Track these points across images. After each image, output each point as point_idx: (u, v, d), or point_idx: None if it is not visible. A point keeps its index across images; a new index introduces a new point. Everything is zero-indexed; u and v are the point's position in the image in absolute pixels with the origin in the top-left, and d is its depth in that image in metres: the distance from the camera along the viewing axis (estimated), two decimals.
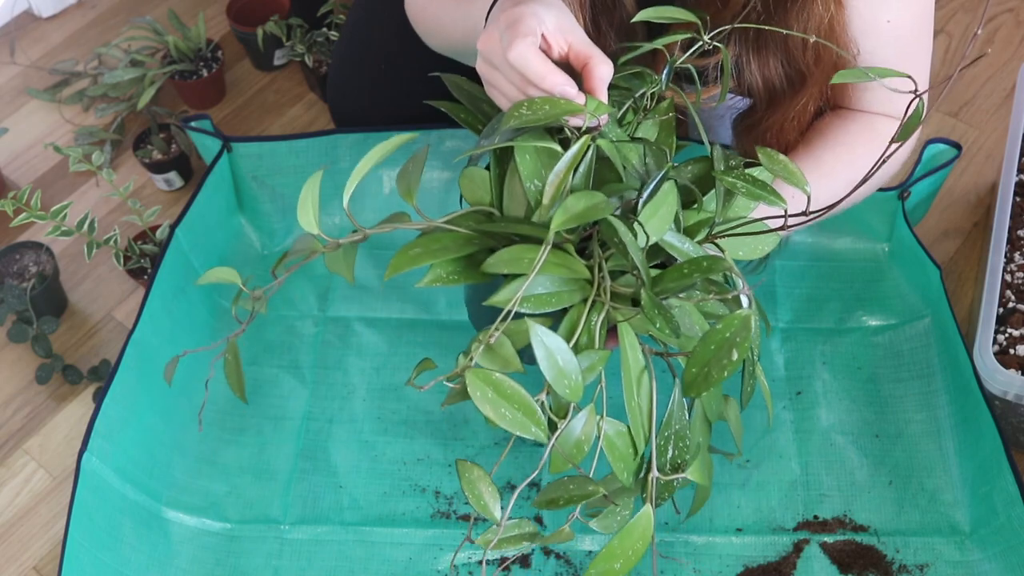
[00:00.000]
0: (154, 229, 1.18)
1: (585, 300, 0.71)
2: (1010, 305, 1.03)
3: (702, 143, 1.10)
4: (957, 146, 1.06)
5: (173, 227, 1.07)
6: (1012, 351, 1.00)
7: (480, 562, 0.98)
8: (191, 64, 1.38)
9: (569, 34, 0.71)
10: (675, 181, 0.74)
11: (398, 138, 0.76)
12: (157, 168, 1.30)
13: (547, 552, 0.98)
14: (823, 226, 1.14)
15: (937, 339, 1.06)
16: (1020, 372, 0.97)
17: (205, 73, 1.38)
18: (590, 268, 0.72)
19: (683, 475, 0.71)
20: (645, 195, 0.71)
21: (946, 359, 1.04)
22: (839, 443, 1.04)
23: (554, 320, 0.72)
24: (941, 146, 1.06)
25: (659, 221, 0.72)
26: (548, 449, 0.68)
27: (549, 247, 0.68)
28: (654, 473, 0.69)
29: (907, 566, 0.96)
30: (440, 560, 0.99)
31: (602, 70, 0.71)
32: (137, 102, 1.35)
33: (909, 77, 0.68)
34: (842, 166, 0.90)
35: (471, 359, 0.67)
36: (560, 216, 0.67)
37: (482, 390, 0.65)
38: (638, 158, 0.75)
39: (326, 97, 1.38)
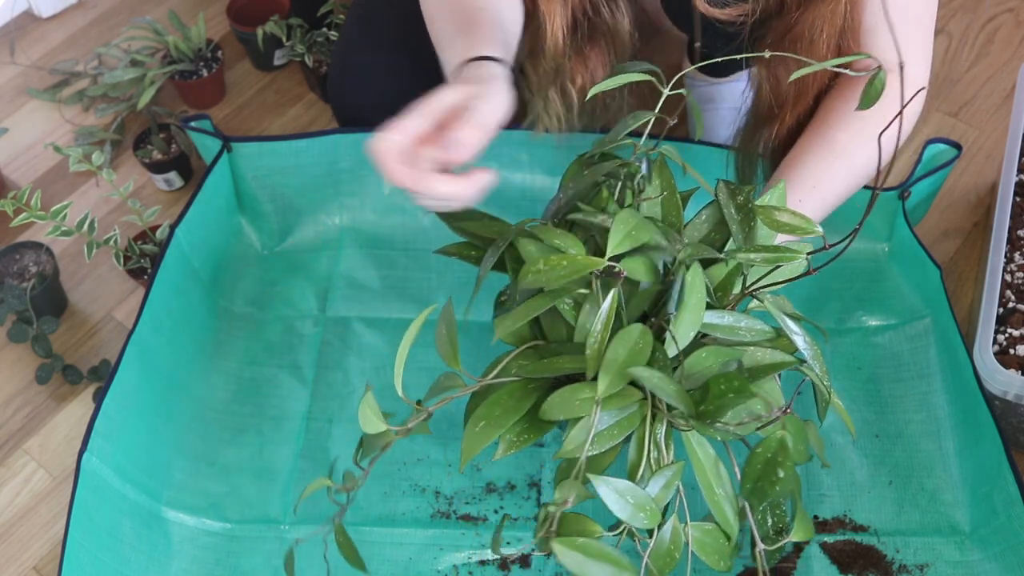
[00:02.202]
0: (154, 229, 1.18)
1: (645, 418, 0.72)
2: (1010, 305, 1.03)
3: (705, 144, 1.10)
4: (957, 146, 1.06)
5: (173, 227, 1.07)
6: (1012, 351, 1.00)
7: (480, 562, 0.98)
8: (191, 64, 1.38)
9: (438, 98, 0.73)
10: (698, 263, 0.74)
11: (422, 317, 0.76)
12: (157, 168, 1.30)
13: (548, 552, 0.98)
14: (823, 226, 1.14)
15: (937, 339, 1.06)
16: (1020, 372, 0.97)
17: (205, 73, 1.38)
18: (641, 387, 0.72)
19: (788, 539, 0.73)
20: (673, 307, 0.72)
21: (946, 359, 1.04)
22: (839, 443, 1.04)
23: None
24: (941, 146, 1.06)
25: (691, 318, 0.72)
26: (643, 568, 0.70)
27: (600, 404, 0.70)
28: (760, 547, 0.71)
29: (907, 566, 0.96)
30: (440, 560, 0.99)
31: (462, 134, 0.72)
32: (137, 102, 1.35)
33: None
34: (858, 143, 0.89)
35: (550, 525, 0.70)
36: (604, 380, 0.68)
37: (571, 556, 0.67)
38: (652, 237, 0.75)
39: (326, 97, 1.38)
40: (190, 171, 1.33)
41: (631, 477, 0.72)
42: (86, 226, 1.11)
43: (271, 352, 1.13)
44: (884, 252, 1.14)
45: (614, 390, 0.68)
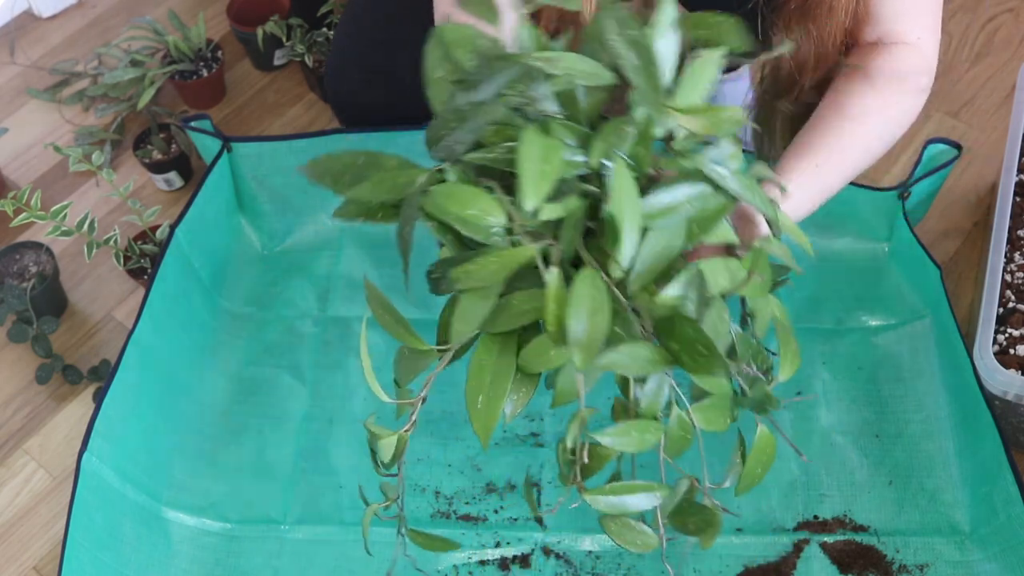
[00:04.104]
0: (154, 229, 1.18)
1: None
2: (1010, 305, 1.03)
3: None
4: (957, 146, 1.06)
5: (173, 227, 1.07)
6: (1012, 351, 1.00)
7: (480, 562, 0.98)
8: (191, 64, 1.38)
9: None
10: (621, 162, 0.66)
11: None
12: (157, 168, 1.30)
13: (547, 552, 0.98)
14: (823, 226, 1.14)
15: (937, 339, 1.06)
16: (1020, 372, 0.97)
17: (205, 73, 1.38)
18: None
19: (777, 377, 0.73)
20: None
21: (946, 359, 1.04)
22: (839, 443, 1.04)
23: None
24: (941, 146, 1.06)
25: (631, 238, 0.65)
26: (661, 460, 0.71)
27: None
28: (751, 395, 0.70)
29: (907, 566, 0.96)
30: (440, 560, 0.99)
31: None
32: (137, 102, 1.34)
33: None
34: (872, 112, 0.88)
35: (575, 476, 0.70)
36: (580, 358, 0.64)
37: (605, 500, 0.69)
38: None
39: (326, 97, 1.38)
40: (190, 171, 1.33)
41: (624, 391, 0.70)
42: (86, 226, 1.11)
43: (271, 352, 1.13)
44: (884, 252, 1.14)
45: (591, 363, 0.65)
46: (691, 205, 0.68)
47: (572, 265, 0.68)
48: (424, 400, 0.72)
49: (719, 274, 0.68)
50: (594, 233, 0.68)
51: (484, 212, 0.64)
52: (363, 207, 0.73)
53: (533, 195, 0.61)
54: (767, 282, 0.71)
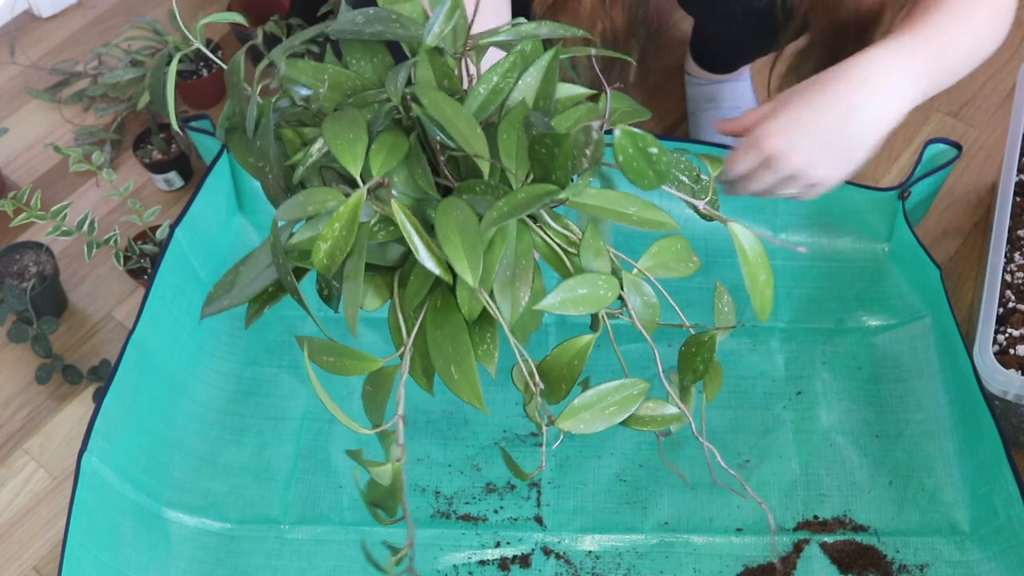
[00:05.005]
0: (154, 229, 1.18)
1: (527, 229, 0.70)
2: (1010, 305, 1.03)
3: (705, 143, 1.10)
4: (957, 146, 1.06)
5: (173, 227, 1.07)
6: (1012, 351, 1.00)
7: (480, 562, 0.98)
8: (191, 64, 1.38)
9: None
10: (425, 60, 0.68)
11: None
12: (157, 168, 1.30)
13: (547, 552, 0.98)
14: (823, 226, 1.14)
15: (937, 339, 1.06)
16: (1020, 372, 0.97)
17: (205, 73, 1.38)
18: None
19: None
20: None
21: (946, 359, 1.04)
22: (839, 443, 1.04)
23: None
24: (941, 146, 1.06)
25: (468, 136, 0.66)
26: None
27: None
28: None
29: (907, 566, 0.96)
30: (440, 560, 0.99)
31: None
32: (137, 102, 1.34)
33: None
34: (963, 32, 0.85)
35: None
36: (469, 271, 0.63)
37: (576, 422, 0.67)
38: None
39: None
40: (190, 171, 1.33)
41: (562, 272, 0.68)
42: (86, 226, 1.11)
43: (271, 352, 1.13)
44: (884, 252, 1.14)
45: (480, 272, 0.63)
46: (509, 77, 0.69)
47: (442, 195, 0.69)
48: (404, 419, 0.70)
49: (583, 117, 0.72)
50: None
51: (323, 201, 0.66)
52: (263, 299, 0.76)
53: (352, 162, 0.64)
54: (624, 114, 0.74)
